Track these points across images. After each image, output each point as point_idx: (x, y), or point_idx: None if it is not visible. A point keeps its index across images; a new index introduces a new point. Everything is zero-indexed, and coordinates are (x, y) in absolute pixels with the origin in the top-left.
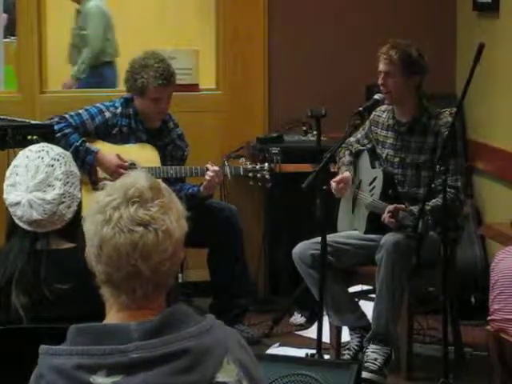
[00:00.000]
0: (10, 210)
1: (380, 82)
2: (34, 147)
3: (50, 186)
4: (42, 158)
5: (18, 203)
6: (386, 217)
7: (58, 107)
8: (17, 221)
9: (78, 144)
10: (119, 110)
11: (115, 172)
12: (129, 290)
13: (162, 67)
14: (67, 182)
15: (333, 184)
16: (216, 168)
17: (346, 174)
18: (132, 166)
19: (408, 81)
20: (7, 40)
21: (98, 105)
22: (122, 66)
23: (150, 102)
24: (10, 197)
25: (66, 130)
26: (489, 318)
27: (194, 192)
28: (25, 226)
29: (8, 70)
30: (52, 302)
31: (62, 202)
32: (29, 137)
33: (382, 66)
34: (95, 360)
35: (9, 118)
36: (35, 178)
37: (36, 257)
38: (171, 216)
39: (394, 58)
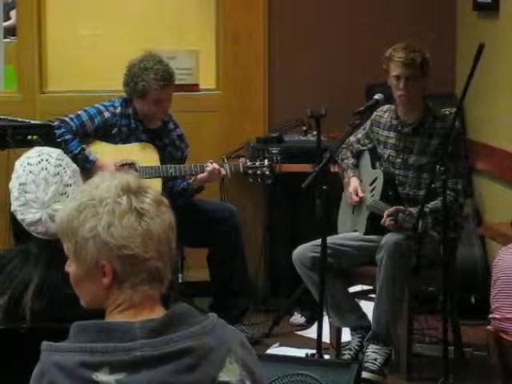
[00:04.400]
0: (30, 228)
1: (401, 86)
2: (32, 159)
3: (62, 194)
4: (47, 169)
5: (38, 221)
6: (385, 220)
7: (58, 107)
8: (39, 236)
9: (76, 152)
10: (118, 110)
11: None
12: (164, 277)
13: (162, 68)
14: (75, 182)
15: (353, 197)
16: (216, 166)
17: (355, 180)
18: (131, 165)
19: (423, 83)
20: (7, 40)
21: (96, 105)
22: (122, 66)
23: (151, 104)
24: (26, 217)
25: (66, 137)
26: (490, 315)
27: (185, 186)
28: (45, 237)
29: (8, 70)
30: (62, 304)
31: None
32: (29, 137)
33: (402, 71)
34: (98, 357)
35: (9, 117)
36: (48, 192)
37: (54, 262)
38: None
39: (417, 62)
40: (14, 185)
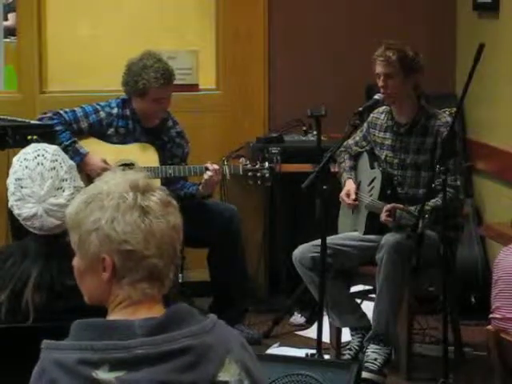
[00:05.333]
0: (27, 223)
1: (380, 84)
2: (28, 155)
3: (58, 189)
4: (42, 164)
5: (34, 215)
6: (383, 216)
7: (57, 107)
8: (35, 231)
9: (67, 143)
10: (115, 111)
11: (99, 175)
12: (165, 277)
13: (162, 67)
14: (71, 178)
15: (346, 200)
16: (216, 166)
17: (350, 183)
18: (131, 166)
19: (407, 80)
20: (7, 40)
21: (93, 104)
22: (122, 66)
23: (151, 103)
24: (23, 211)
25: (57, 128)
26: (490, 315)
27: (193, 192)
28: (41, 233)
29: (8, 69)
30: (62, 295)
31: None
32: (29, 137)
33: (380, 69)
34: (98, 355)
35: (9, 117)
36: (43, 187)
37: (51, 255)
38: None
39: (392, 60)
40: (10, 180)
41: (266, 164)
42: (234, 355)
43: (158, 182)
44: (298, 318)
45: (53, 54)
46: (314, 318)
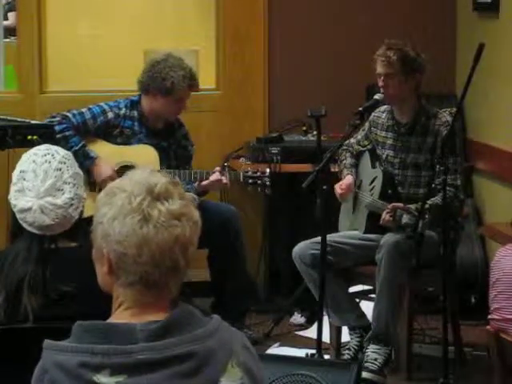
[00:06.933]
0: (20, 215)
1: (380, 84)
2: (39, 151)
3: (59, 190)
4: (50, 163)
5: (28, 209)
6: (384, 217)
7: (57, 107)
8: (27, 226)
9: (77, 148)
10: (123, 112)
11: (104, 182)
12: (163, 287)
13: (188, 68)
14: (75, 184)
15: (337, 189)
16: (219, 177)
17: (348, 178)
18: (130, 167)
19: (408, 81)
20: (7, 40)
21: (101, 104)
22: (122, 66)
23: (173, 102)
24: (19, 203)
25: (67, 133)
26: (489, 316)
27: (188, 190)
28: (34, 231)
29: (8, 69)
30: (56, 301)
31: (71, 205)
32: (29, 137)
33: (380, 69)
34: (99, 359)
35: (9, 117)
36: (45, 184)
37: (44, 258)
38: (192, 207)
39: (392, 60)
40: (15, 171)
41: (267, 171)
42: (237, 358)
43: None
44: (298, 318)
45: (53, 54)
46: (313, 318)
